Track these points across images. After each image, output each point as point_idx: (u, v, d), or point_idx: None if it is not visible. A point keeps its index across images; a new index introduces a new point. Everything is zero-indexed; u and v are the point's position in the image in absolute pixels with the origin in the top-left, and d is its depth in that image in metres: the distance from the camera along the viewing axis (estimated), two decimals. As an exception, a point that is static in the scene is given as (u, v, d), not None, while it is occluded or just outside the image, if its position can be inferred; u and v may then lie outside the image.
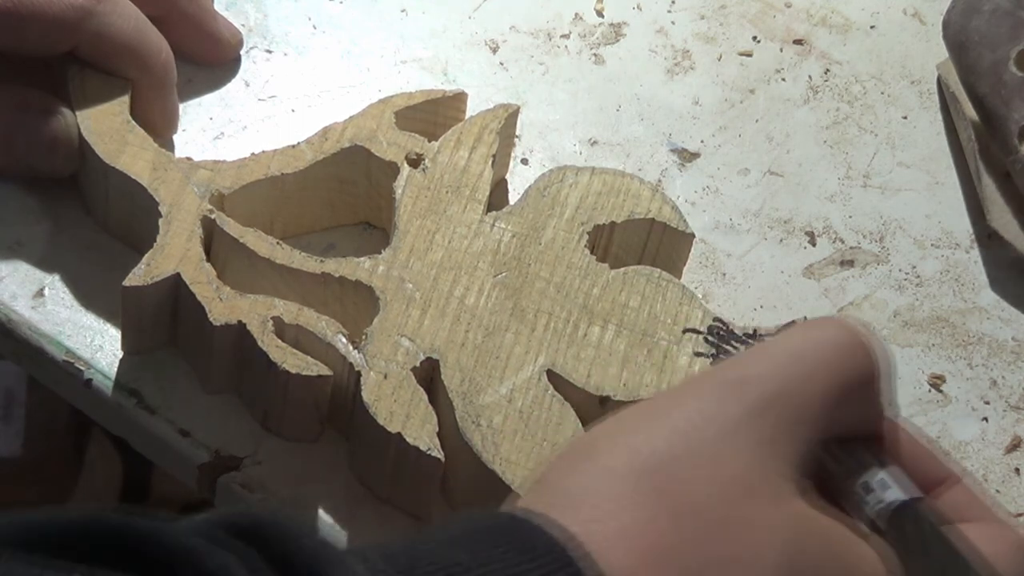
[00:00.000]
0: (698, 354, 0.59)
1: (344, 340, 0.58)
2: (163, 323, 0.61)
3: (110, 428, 0.62)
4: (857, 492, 0.48)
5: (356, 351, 0.58)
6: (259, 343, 0.58)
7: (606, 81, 0.74)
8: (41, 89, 0.64)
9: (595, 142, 0.72)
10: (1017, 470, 0.65)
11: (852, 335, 0.48)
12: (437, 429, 0.57)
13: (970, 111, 0.72)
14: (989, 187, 0.71)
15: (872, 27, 0.78)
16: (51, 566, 0.36)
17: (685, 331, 0.60)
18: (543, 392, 0.58)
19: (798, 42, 0.77)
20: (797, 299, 0.68)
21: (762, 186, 0.72)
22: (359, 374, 0.58)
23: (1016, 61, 0.69)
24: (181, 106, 0.68)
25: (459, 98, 0.67)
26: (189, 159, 0.63)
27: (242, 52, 0.71)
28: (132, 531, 0.38)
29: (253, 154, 0.63)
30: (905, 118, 0.75)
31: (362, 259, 0.61)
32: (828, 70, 0.76)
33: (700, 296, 0.65)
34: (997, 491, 0.64)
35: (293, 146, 0.64)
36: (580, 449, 0.45)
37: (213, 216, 0.61)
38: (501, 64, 0.74)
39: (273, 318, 0.58)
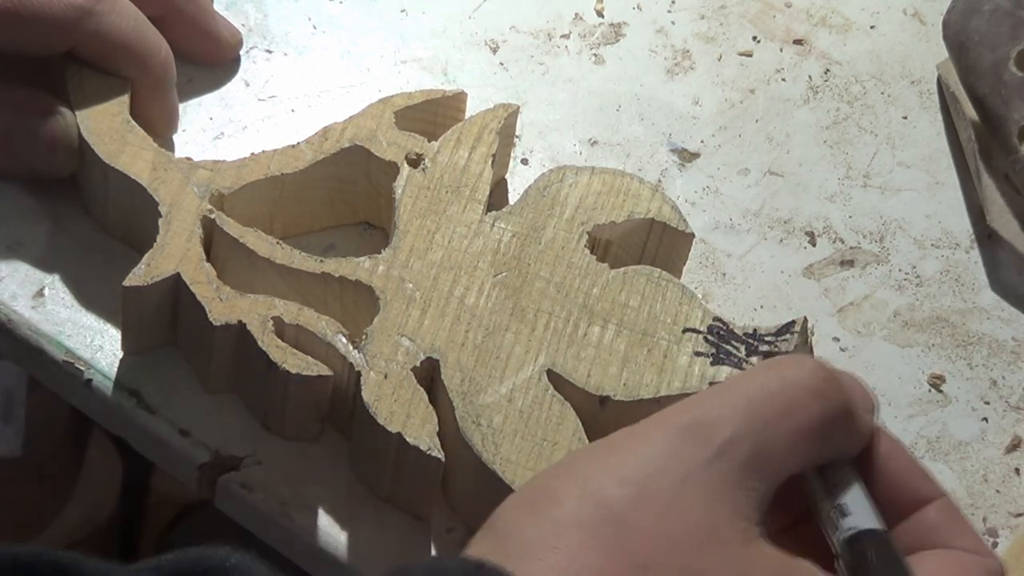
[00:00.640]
0: (698, 354, 0.59)
1: (344, 340, 0.58)
2: (163, 323, 0.61)
3: (110, 428, 0.62)
4: (831, 516, 0.48)
5: (356, 351, 0.58)
6: (259, 343, 0.58)
7: (606, 81, 0.74)
8: (41, 89, 0.64)
9: (595, 142, 0.72)
10: (1017, 470, 0.65)
11: (818, 375, 0.47)
12: (437, 429, 0.57)
13: (970, 111, 0.72)
14: (989, 187, 0.71)
15: (872, 27, 0.78)
16: None
17: (685, 331, 0.60)
18: (543, 392, 0.58)
19: (798, 42, 0.77)
20: (797, 299, 0.68)
21: (762, 186, 0.72)
22: (359, 374, 0.58)
23: (1016, 61, 0.69)
24: (181, 106, 0.68)
25: (459, 98, 0.67)
26: (189, 159, 0.63)
27: (242, 52, 0.71)
28: (79, 572, 0.37)
29: (253, 154, 0.63)
30: (905, 118, 0.75)
31: (362, 259, 0.61)
32: (828, 70, 0.76)
33: (700, 296, 0.65)
34: (997, 491, 0.64)
35: (293, 146, 0.64)
36: (535, 494, 0.45)
37: (213, 216, 0.61)
38: (501, 64, 0.74)
39: (273, 318, 0.58)
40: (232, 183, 0.62)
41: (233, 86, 0.70)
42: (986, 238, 0.71)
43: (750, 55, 0.76)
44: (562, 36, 0.75)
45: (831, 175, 0.73)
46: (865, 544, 0.46)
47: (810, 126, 0.74)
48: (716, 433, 0.45)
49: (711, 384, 0.58)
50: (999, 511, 0.63)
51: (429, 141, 0.64)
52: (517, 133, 0.69)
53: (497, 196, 0.68)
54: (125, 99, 0.64)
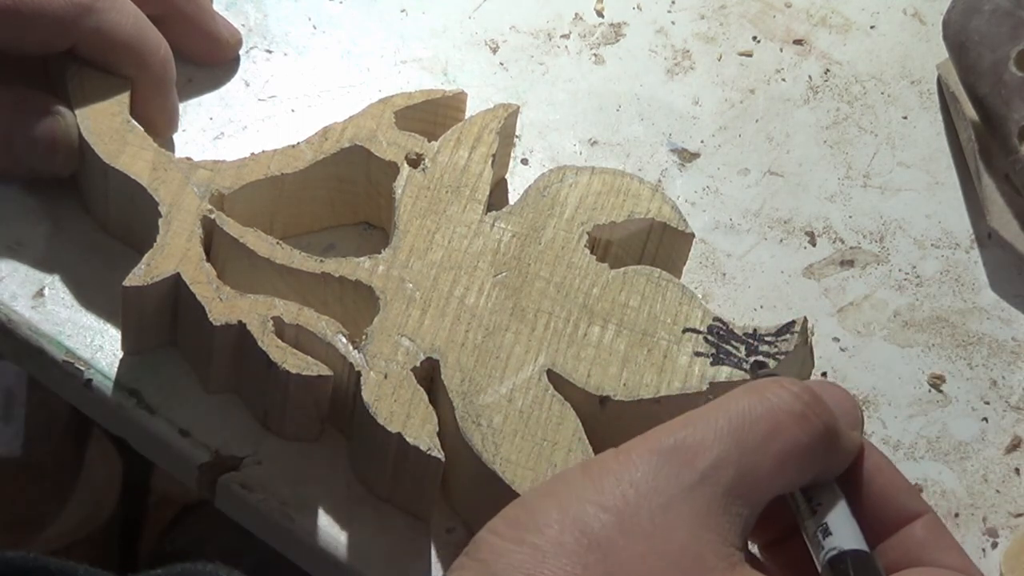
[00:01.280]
0: (698, 354, 0.59)
1: (344, 340, 0.58)
2: (163, 323, 0.61)
3: (110, 428, 0.62)
4: (816, 536, 0.48)
5: (356, 351, 0.58)
6: (259, 343, 0.58)
7: (606, 81, 0.74)
8: (41, 89, 0.64)
9: (595, 142, 0.72)
10: (1017, 470, 0.65)
11: (802, 398, 0.47)
12: (437, 429, 0.57)
13: (970, 111, 0.72)
14: (989, 187, 0.71)
15: (872, 27, 0.78)
16: None
17: (685, 331, 0.60)
18: (543, 392, 0.58)
19: (798, 42, 0.77)
20: (797, 299, 0.68)
21: (762, 186, 0.72)
22: (359, 374, 0.58)
23: (1016, 61, 0.69)
24: (181, 106, 0.68)
25: (459, 98, 0.67)
26: (189, 159, 0.63)
27: (242, 52, 0.71)
28: None
29: (253, 154, 0.63)
30: (905, 118, 0.75)
31: (362, 259, 0.61)
32: (828, 70, 0.76)
33: (700, 296, 0.65)
34: (997, 491, 0.64)
35: (293, 146, 0.64)
36: (518, 520, 0.44)
37: (213, 216, 0.61)
38: (501, 64, 0.74)
39: (273, 318, 0.58)
40: (232, 183, 0.62)
41: (233, 86, 0.70)
42: (986, 238, 0.71)
43: (750, 55, 0.76)
44: (562, 36, 0.75)
45: (831, 175, 0.73)
46: (847, 565, 0.46)
47: (810, 126, 0.74)
48: (699, 458, 0.44)
49: (711, 384, 0.58)
50: (999, 511, 0.63)
51: (429, 141, 0.64)
52: (517, 133, 0.69)
53: (497, 196, 0.68)
54: (125, 99, 0.64)
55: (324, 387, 0.58)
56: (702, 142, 0.73)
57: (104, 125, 0.63)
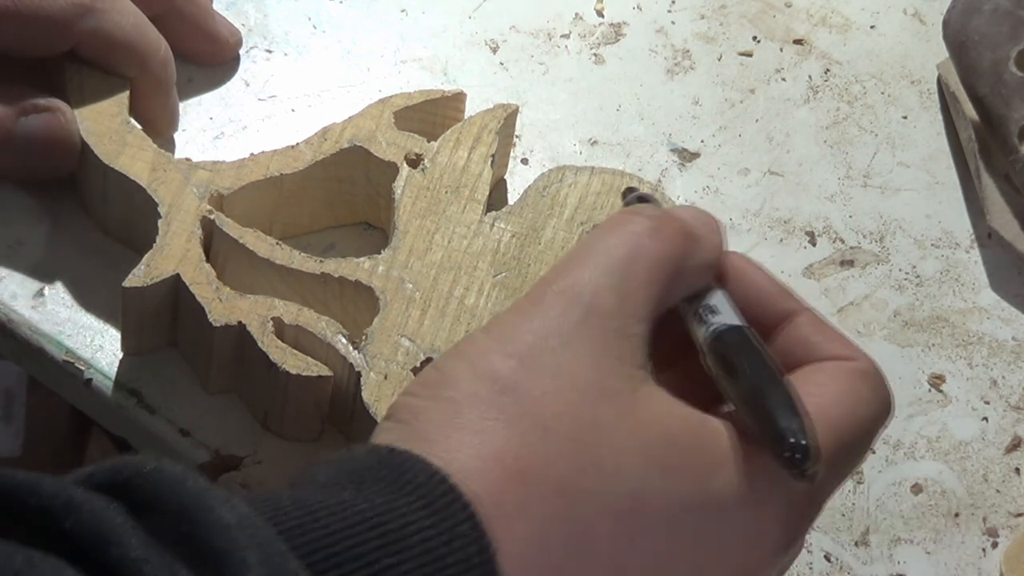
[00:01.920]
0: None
1: (344, 340, 0.58)
2: (163, 324, 0.61)
3: (110, 428, 0.62)
4: (700, 315, 0.50)
5: (356, 351, 0.58)
6: (259, 343, 0.58)
7: (606, 81, 0.74)
8: (41, 89, 0.64)
9: (595, 142, 0.72)
10: (1017, 470, 0.65)
11: (652, 215, 0.50)
12: (437, 429, 0.56)
13: (970, 111, 0.72)
14: (989, 187, 0.71)
15: (872, 27, 0.78)
16: None
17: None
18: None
19: (798, 42, 0.77)
20: (797, 299, 0.68)
21: (762, 186, 0.72)
22: (359, 374, 0.58)
23: (1016, 61, 0.69)
24: (181, 106, 0.68)
25: (458, 98, 0.67)
26: (188, 160, 0.63)
27: (242, 52, 0.71)
28: (7, 482, 0.39)
29: (252, 154, 0.63)
30: (905, 118, 0.75)
31: (362, 259, 0.61)
32: (828, 70, 0.76)
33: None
34: (997, 491, 0.64)
35: (292, 146, 0.64)
36: (430, 379, 0.47)
37: (212, 217, 0.61)
38: (501, 64, 0.74)
39: (273, 318, 0.58)
40: (231, 183, 0.62)
41: (233, 86, 0.70)
42: (986, 238, 0.71)
43: (750, 55, 0.76)
44: (562, 36, 0.75)
45: (831, 175, 0.73)
46: (727, 336, 0.49)
47: (810, 126, 0.74)
48: (581, 294, 0.47)
49: None
50: (999, 511, 0.64)
51: (428, 141, 0.64)
52: (517, 133, 0.69)
53: (497, 196, 0.68)
54: (124, 99, 0.64)
55: (324, 387, 0.58)
56: (702, 142, 0.73)
57: (103, 125, 0.63)
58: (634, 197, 0.56)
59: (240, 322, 0.58)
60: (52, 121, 0.62)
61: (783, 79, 0.76)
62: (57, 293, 0.63)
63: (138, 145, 0.63)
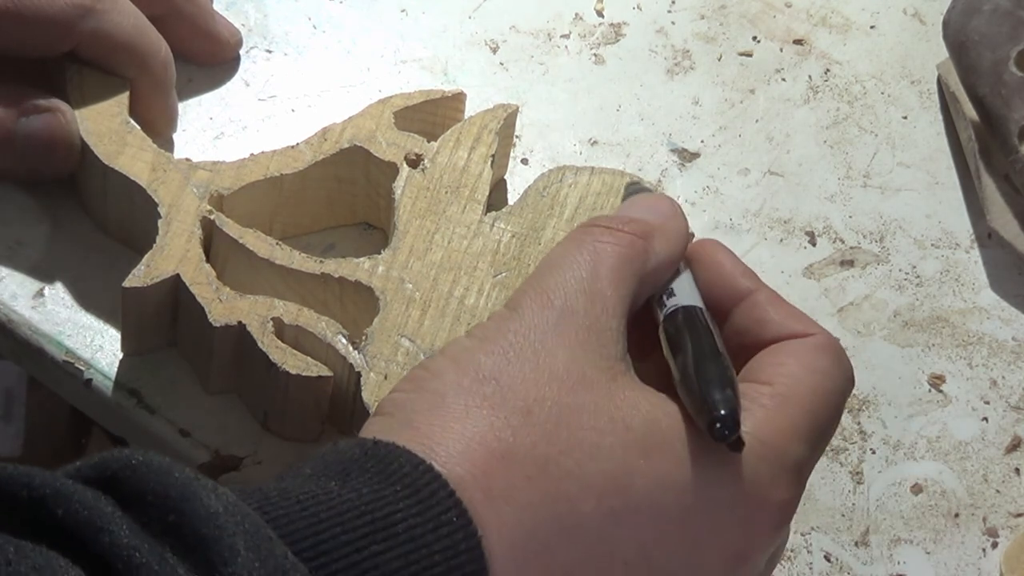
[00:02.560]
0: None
1: (344, 340, 0.58)
2: (163, 324, 0.61)
3: (110, 428, 0.62)
4: (660, 299, 0.53)
5: (356, 351, 0.58)
6: (259, 344, 0.58)
7: (606, 81, 0.74)
8: (41, 89, 0.64)
9: (595, 142, 0.72)
10: (1017, 470, 0.65)
11: (607, 220, 0.53)
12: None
13: (970, 111, 0.72)
14: (989, 187, 0.71)
15: (872, 27, 0.78)
16: None
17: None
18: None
19: (798, 42, 0.77)
20: (797, 299, 0.68)
21: (762, 186, 0.72)
22: (359, 375, 0.58)
23: (1016, 61, 0.69)
24: (181, 106, 0.68)
25: (458, 98, 0.67)
26: (188, 160, 0.63)
27: (242, 52, 0.71)
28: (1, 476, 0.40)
29: (252, 154, 0.63)
30: (905, 118, 0.75)
31: (362, 259, 0.61)
32: (828, 70, 0.76)
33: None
34: (997, 491, 0.64)
35: (292, 146, 0.64)
36: (414, 377, 0.49)
37: (212, 217, 0.61)
38: (501, 64, 0.74)
39: (273, 319, 0.58)
40: (231, 184, 0.62)
41: (233, 86, 0.70)
42: (986, 238, 0.71)
43: (750, 55, 0.76)
44: (562, 36, 0.75)
45: (831, 175, 0.73)
46: (677, 315, 0.52)
47: (810, 126, 0.74)
48: (553, 299, 0.50)
49: None
50: (999, 511, 0.64)
51: (428, 141, 0.64)
52: (517, 133, 0.69)
53: (497, 196, 0.68)
54: (124, 99, 0.64)
55: (324, 388, 0.58)
56: (702, 142, 0.73)
57: (103, 126, 0.63)
58: (633, 189, 0.59)
59: (240, 322, 0.58)
60: (52, 121, 0.62)
61: (783, 79, 0.76)
62: (57, 293, 0.63)
63: (138, 145, 0.63)
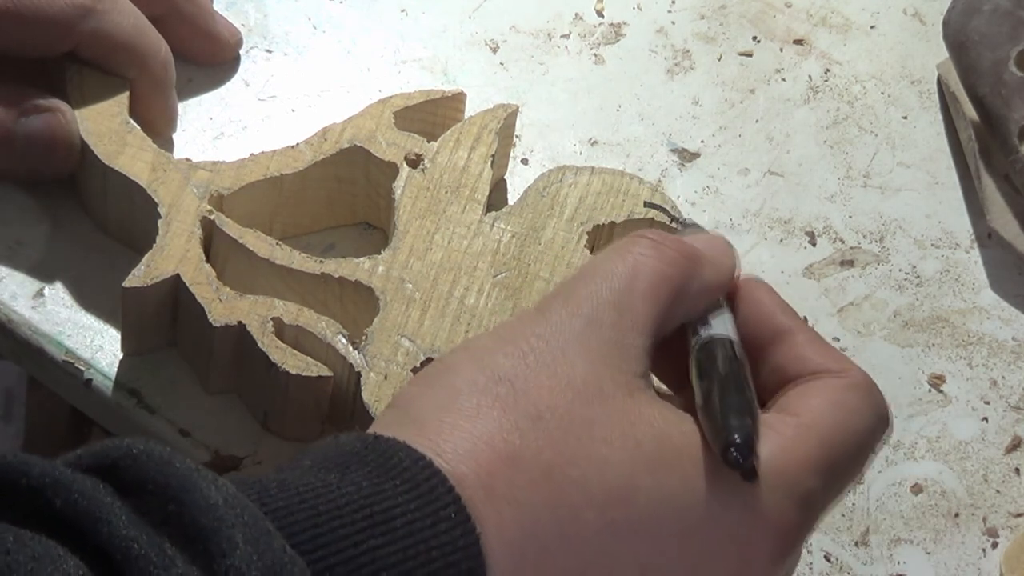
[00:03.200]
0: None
1: (344, 340, 0.58)
2: (163, 324, 0.61)
3: (110, 428, 0.62)
4: (695, 328, 0.52)
5: (356, 351, 0.58)
6: (259, 344, 0.58)
7: (606, 81, 0.74)
8: (41, 89, 0.64)
9: (595, 142, 0.72)
10: (1017, 470, 0.65)
11: (653, 236, 0.52)
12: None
13: (970, 111, 0.72)
14: (989, 187, 0.71)
15: (872, 27, 0.78)
16: None
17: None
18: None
19: (798, 42, 0.77)
20: (797, 299, 0.68)
21: (762, 186, 0.72)
22: (359, 374, 0.58)
23: (1016, 61, 0.69)
24: (181, 106, 0.68)
25: (458, 98, 0.67)
26: (188, 160, 0.63)
27: (242, 52, 0.71)
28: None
29: (252, 154, 0.63)
30: (905, 118, 0.75)
31: (362, 259, 0.61)
32: (828, 70, 0.76)
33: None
34: (997, 491, 0.64)
35: (292, 146, 0.64)
36: (433, 371, 0.48)
37: (212, 217, 0.61)
38: (501, 64, 0.74)
39: (273, 319, 0.58)
40: (231, 184, 0.62)
41: (233, 86, 0.70)
42: (986, 238, 0.71)
43: (750, 55, 0.76)
44: (562, 36, 0.75)
45: (831, 175, 0.73)
46: (709, 346, 0.51)
47: (810, 126, 0.74)
48: (582, 307, 0.49)
49: None
50: (999, 511, 0.64)
51: (428, 141, 0.64)
52: (517, 133, 0.69)
53: (497, 196, 0.68)
54: (124, 99, 0.64)
55: (324, 388, 0.58)
56: (702, 142, 0.73)
57: (103, 126, 0.63)
58: (689, 222, 0.59)
59: (240, 322, 0.58)
60: (52, 121, 0.62)
61: (783, 79, 0.76)
62: (57, 293, 0.63)
63: (138, 145, 0.63)
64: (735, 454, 0.46)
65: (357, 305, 0.60)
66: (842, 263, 0.70)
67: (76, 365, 0.61)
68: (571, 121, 0.72)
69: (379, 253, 0.61)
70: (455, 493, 0.44)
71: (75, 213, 0.65)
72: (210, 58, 0.70)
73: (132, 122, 0.63)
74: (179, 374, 0.61)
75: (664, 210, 0.62)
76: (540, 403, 0.47)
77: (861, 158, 0.73)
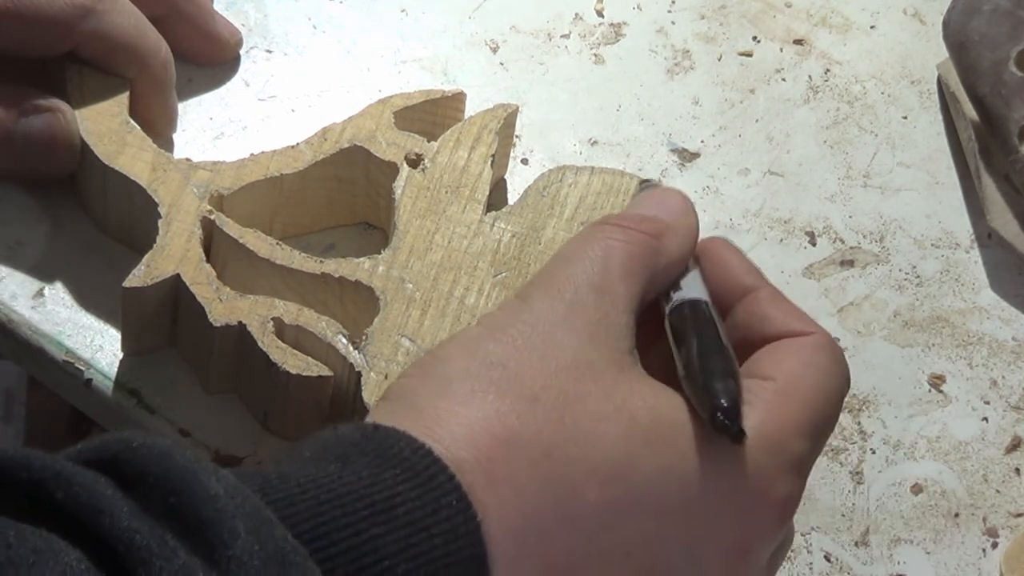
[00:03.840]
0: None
1: (344, 340, 0.58)
2: (163, 324, 0.61)
3: (110, 428, 0.62)
4: (667, 294, 0.53)
5: (357, 351, 0.58)
6: (259, 344, 0.58)
7: (606, 81, 0.74)
8: (41, 89, 0.64)
9: (595, 142, 0.72)
10: (1017, 470, 0.65)
11: (619, 217, 0.53)
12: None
13: (970, 111, 0.72)
14: (989, 187, 0.71)
15: (872, 27, 0.78)
16: None
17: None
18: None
19: (798, 42, 0.77)
20: (797, 299, 0.67)
21: (762, 186, 0.72)
22: (360, 374, 0.58)
23: (1016, 61, 0.69)
24: (181, 106, 0.68)
25: (458, 98, 0.67)
26: (188, 160, 0.63)
27: (242, 52, 0.71)
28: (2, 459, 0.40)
29: (252, 154, 0.63)
30: (905, 118, 0.75)
31: (362, 259, 0.61)
32: (828, 70, 0.76)
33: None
34: (997, 491, 0.64)
35: (292, 146, 0.64)
36: (425, 361, 0.49)
37: (212, 217, 0.61)
38: (501, 64, 0.74)
39: (273, 319, 0.58)
40: (231, 184, 0.62)
41: (233, 86, 0.70)
42: (986, 238, 0.71)
43: (750, 55, 0.76)
44: (562, 36, 0.75)
45: (831, 175, 0.73)
46: (683, 308, 0.52)
47: (810, 126, 0.74)
48: (563, 291, 0.50)
49: None
50: (999, 511, 0.64)
51: (428, 141, 0.64)
52: (517, 133, 0.69)
53: (497, 196, 0.68)
54: (124, 99, 0.64)
55: (324, 388, 0.58)
56: (702, 142, 0.73)
57: (103, 126, 0.63)
58: (646, 186, 0.59)
59: (240, 322, 0.58)
60: (52, 121, 0.62)
61: (783, 79, 0.76)
62: (57, 293, 0.63)
63: (138, 145, 0.63)
64: (722, 418, 0.47)
65: (357, 305, 0.60)
66: (842, 263, 0.70)
67: (76, 365, 0.61)
68: (571, 121, 0.72)
69: (379, 253, 0.61)
70: (455, 481, 0.44)
71: (75, 213, 0.65)
72: (210, 58, 0.70)
73: (132, 122, 0.63)
74: (179, 374, 0.61)
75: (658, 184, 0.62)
76: (534, 384, 0.47)
77: (861, 158, 0.73)
